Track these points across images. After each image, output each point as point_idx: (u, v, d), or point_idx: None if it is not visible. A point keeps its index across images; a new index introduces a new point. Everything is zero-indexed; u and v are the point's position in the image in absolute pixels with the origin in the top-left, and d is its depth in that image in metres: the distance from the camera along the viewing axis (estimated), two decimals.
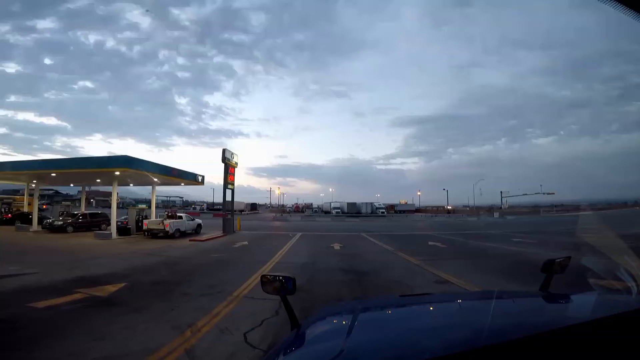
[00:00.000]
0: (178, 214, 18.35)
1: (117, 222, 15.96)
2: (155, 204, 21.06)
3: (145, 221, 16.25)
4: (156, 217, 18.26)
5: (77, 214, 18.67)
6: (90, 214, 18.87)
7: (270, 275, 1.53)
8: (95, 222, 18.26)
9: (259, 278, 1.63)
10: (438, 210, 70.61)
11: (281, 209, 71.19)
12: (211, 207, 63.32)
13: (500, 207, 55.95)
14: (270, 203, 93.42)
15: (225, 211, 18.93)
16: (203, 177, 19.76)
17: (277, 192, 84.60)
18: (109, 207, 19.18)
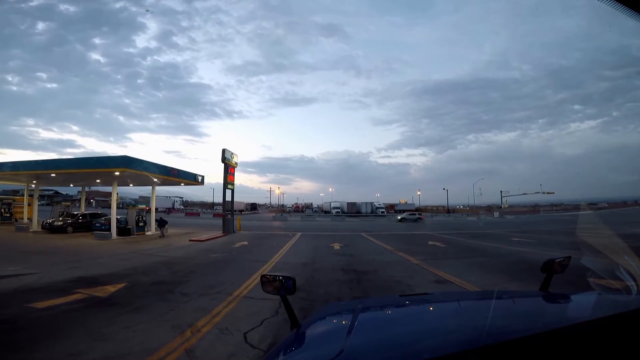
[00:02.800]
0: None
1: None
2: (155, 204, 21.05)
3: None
4: (156, 217, 18.25)
5: (77, 214, 18.64)
6: (90, 214, 18.85)
7: (270, 275, 1.53)
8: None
9: (259, 278, 1.63)
10: (438, 209, 70.66)
11: (281, 209, 71.30)
12: (208, 207, 63.43)
13: (500, 207, 56.03)
14: (270, 203, 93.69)
15: (225, 211, 18.93)
16: (203, 177, 19.76)
17: (277, 192, 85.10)
18: (109, 207, 19.14)
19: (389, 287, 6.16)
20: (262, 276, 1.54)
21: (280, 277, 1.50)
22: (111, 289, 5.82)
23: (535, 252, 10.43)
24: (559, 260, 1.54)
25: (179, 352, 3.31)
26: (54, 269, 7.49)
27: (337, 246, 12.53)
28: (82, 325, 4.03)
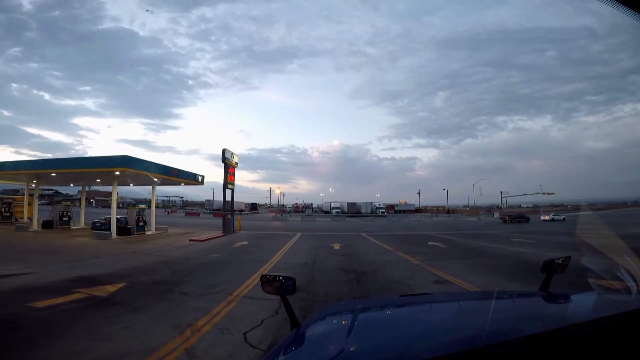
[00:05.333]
0: None
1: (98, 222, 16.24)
2: (155, 203, 21.05)
3: None
4: (156, 217, 18.23)
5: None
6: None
7: (270, 275, 1.53)
8: None
9: (259, 278, 1.63)
10: (438, 210, 70.73)
11: (281, 209, 71.34)
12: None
13: (500, 207, 56.06)
14: (270, 203, 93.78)
15: (225, 211, 18.94)
16: (203, 177, 19.77)
17: (277, 192, 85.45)
18: (109, 207, 19.12)
19: (389, 288, 6.16)
20: (262, 276, 1.54)
21: (280, 277, 1.50)
22: (111, 288, 5.82)
23: (535, 252, 10.42)
24: (558, 260, 1.54)
25: (179, 351, 3.31)
26: (53, 269, 7.49)
27: (337, 246, 12.52)
28: (82, 325, 4.03)
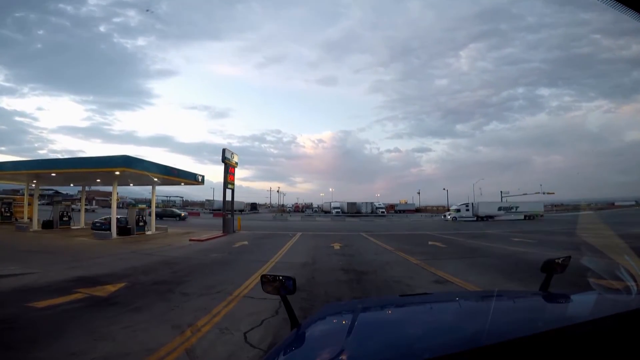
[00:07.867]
0: None
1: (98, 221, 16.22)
2: (155, 203, 21.05)
3: None
4: (156, 217, 18.23)
5: None
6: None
7: (270, 275, 1.53)
8: None
9: (259, 278, 1.63)
10: (438, 210, 70.74)
11: (281, 209, 71.36)
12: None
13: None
14: (270, 203, 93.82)
15: (225, 211, 18.94)
16: (203, 177, 19.78)
17: (277, 191, 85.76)
18: (109, 207, 19.12)
19: (389, 287, 6.16)
20: (262, 276, 1.54)
21: (280, 277, 1.51)
22: (111, 288, 5.82)
23: (535, 252, 10.42)
24: (558, 260, 1.54)
25: (179, 351, 3.31)
26: (53, 269, 7.49)
27: (337, 246, 12.52)
28: (82, 325, 4.03)
